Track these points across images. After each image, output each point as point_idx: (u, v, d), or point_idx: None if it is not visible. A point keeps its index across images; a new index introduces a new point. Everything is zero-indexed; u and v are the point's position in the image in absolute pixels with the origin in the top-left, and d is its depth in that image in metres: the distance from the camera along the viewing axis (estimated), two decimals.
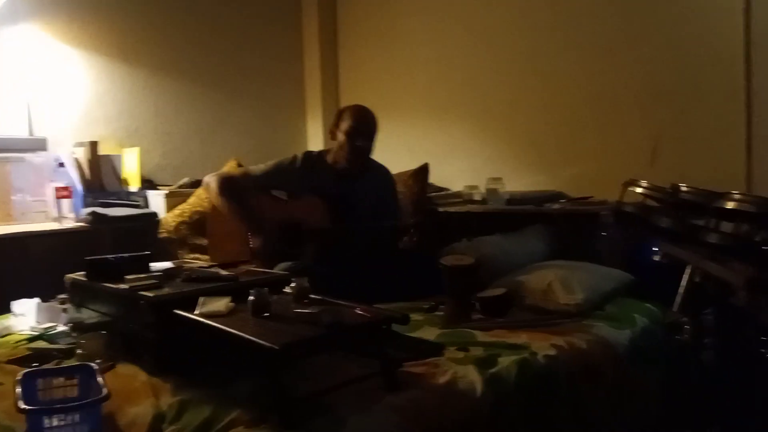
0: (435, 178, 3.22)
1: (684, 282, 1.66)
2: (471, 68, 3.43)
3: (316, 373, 1.49)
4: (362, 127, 2.54)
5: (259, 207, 2.52)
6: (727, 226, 1.63)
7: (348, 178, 2.57)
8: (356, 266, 2.38)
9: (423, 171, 3.05)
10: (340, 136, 2.56)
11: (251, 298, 1.51)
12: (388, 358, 1.49)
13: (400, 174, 2.95)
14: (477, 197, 3.12)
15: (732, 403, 1.60)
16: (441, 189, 3.34)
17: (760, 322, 1.37)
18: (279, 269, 2.20)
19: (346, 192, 2.54)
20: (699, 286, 1.65)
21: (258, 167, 2.63)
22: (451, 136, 3.53)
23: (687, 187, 1.68)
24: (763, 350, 1.26)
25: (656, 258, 1.73)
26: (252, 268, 2.06)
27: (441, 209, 3.03)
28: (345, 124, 2.55)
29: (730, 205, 1.47)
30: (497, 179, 3.11)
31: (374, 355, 1.50)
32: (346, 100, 4.05)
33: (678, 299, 1.66)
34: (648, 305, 2.17)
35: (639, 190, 1.79)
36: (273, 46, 4.04)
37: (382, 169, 2.72)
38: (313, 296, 1.63)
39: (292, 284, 1.66)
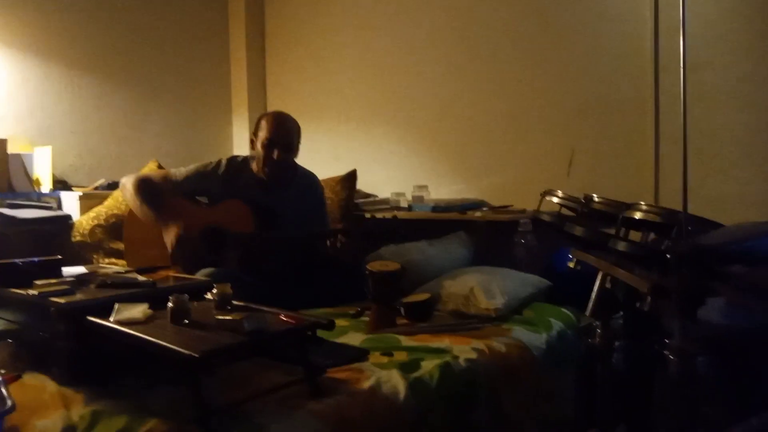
0: (362, 184, 3.24)
1: (596, 288, 1.73)
2: (397, 78, 3.48)
3: (238, 381, 1.47)
4: (281, 139, 2.40)
5: (178, 211, 2.42)
6: (635, 235, 1.73)
7: (273, 187, 2.46)
8: (281, 273, 2.35)
9: (351, 177, 3.05)
10: (259, 148, 2.43)
11: (170, 304, 1.47)
12: (312, 364, 1.48)
13: (327, 180, 2.95)
14: (403, 204, 3.17)
15: (636, 402, 1.69)
16: (368, 195, 3.36)
17: (663, 325, 1.45)
18: (201, 275, 2.14)
19: (270, 201, 2.42)
20: (610, 292, 1.72)
21: (179, 170, 2.52)
22: (378, 143, 3.56)
23: (599, 197, 1.76)
24: (665, 352, 1.33)
25: (570, 265, 1.80)
26: (172, 273, 2.00)
27: (368, 215, 3.04)
28: (263, 135, 2.41)
29: (638, 215, 1.54)
30: (423, 187, 3.18)
31: (298, 361, 1.49)
32: (274, 104, 4.02)
33: (590, 304, 1.73)
34: (563, 310, 2.26)
35: (555, 199, 1.86)
36: (198, 46, 3.94)
37: (309, 177, 2.61)
38: (235, 303, 1.60)
39: (214, 291, 1.62)
